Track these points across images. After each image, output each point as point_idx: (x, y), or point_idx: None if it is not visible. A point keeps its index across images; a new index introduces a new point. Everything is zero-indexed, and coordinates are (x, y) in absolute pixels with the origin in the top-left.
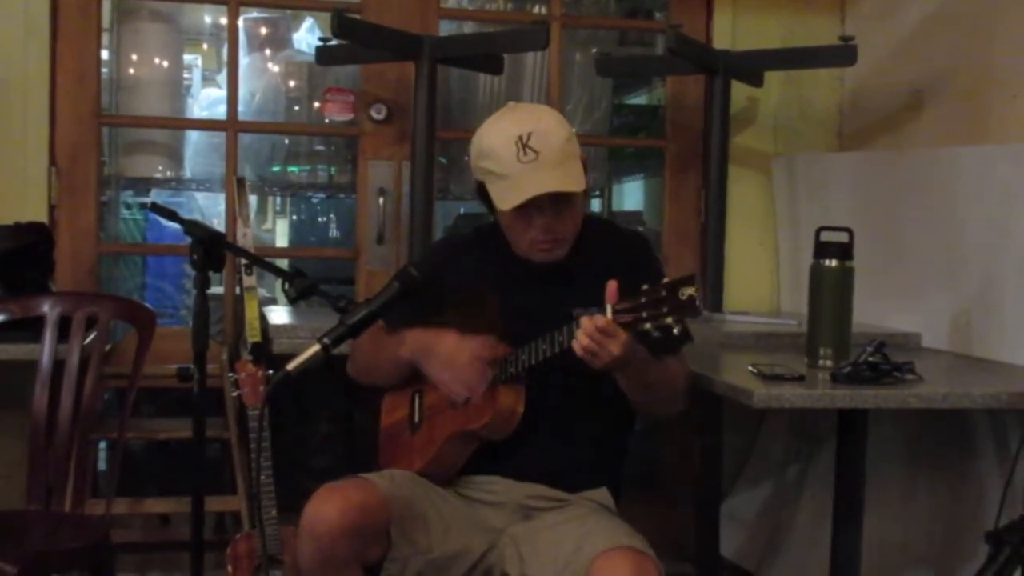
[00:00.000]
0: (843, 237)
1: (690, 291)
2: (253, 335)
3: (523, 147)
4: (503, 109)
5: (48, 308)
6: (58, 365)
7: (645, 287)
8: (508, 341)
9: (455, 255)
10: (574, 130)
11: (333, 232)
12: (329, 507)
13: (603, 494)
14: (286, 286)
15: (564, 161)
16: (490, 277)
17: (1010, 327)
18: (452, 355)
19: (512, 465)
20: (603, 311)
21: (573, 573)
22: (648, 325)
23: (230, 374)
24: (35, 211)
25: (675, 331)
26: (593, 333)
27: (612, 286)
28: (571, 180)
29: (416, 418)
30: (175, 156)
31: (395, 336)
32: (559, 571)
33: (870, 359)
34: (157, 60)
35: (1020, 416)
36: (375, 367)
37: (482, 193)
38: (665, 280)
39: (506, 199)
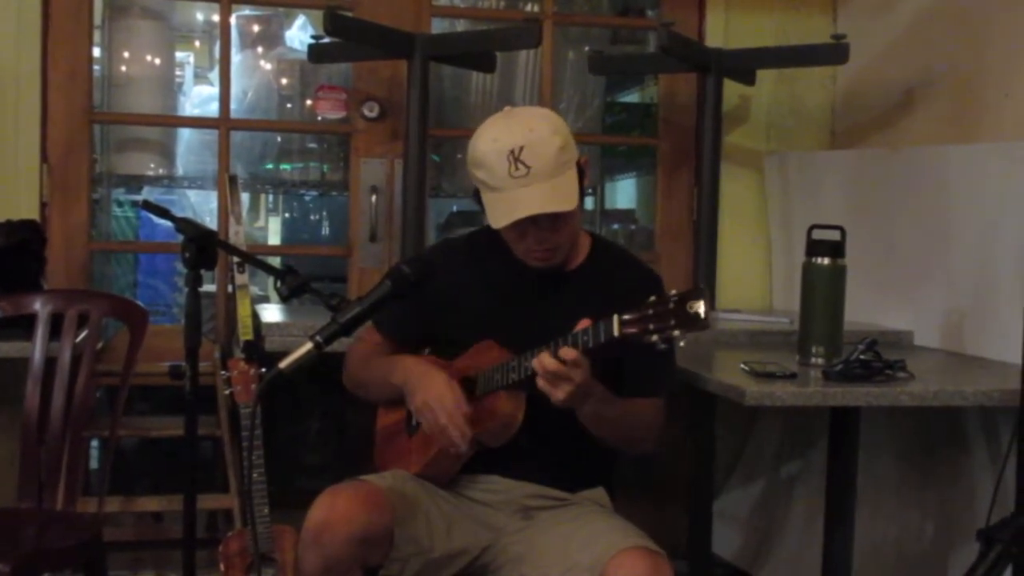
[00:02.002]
0: (835, 235)
1: (698, 305)
2: (245, 333)
3: (515, 161)
4: (499, 115)
5: (40, 306)
6: (50, 363)
7: (653, 299)
8: (509, 347)
9: (451, 260)
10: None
11: (325, 230)
12: (334, 515)
13: (600, 493)
14: (278, 284)
15: (557, 174)
16: (488, 282)
17: (1001, 325)
18: (437, 399)
19: (511, 465)
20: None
21: (583, 572)
22: (655, 337)
23: (222, 372)
24: (27, 208)
25: (682, 344)
26: (558, 367)
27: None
28: (562, 197)
29: (414, 420)
30: (167, 154)
31: (387, 361)
32: (567, 569)
33: (862, 357)
34: (149, 57)
35: (1011, 414)
36: (367, 385)
37: (479, 198)
38: (673, 292)
39: (497, 216)
